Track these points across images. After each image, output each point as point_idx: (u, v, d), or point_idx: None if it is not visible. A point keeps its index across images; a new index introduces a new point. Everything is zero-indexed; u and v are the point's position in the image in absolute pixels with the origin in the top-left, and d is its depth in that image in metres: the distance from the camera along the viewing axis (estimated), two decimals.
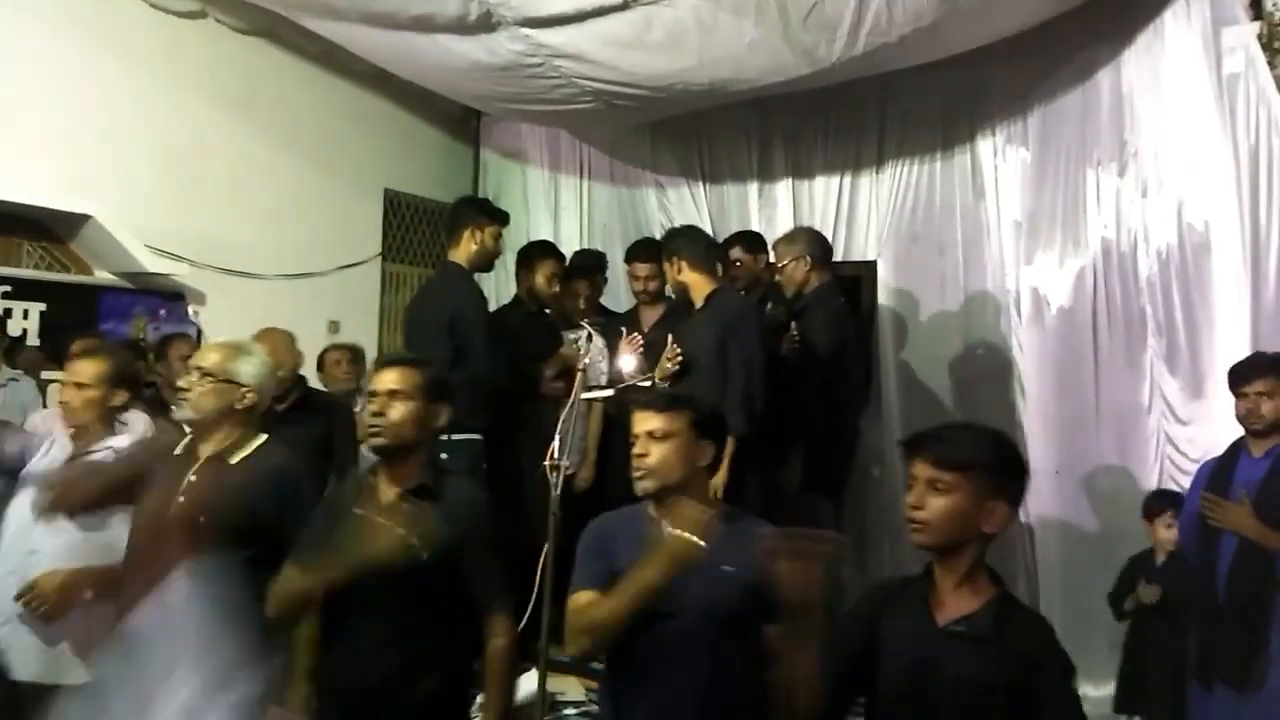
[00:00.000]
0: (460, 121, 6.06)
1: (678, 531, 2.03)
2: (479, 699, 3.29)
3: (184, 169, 4.59)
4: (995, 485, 1.79)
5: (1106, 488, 4.36)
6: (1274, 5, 4.12)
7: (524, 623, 2.87)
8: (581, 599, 2.20)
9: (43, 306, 4.12)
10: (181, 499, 2.49)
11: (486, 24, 4.23)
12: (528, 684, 3.30)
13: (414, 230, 5.80)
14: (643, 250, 4.54)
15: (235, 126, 4.82)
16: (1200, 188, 4.11)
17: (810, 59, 4.15)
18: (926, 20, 3.88)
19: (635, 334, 4.07)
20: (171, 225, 4.47)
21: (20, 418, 3.86)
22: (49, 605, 2.76)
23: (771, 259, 4.28)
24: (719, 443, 2.30)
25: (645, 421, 2.24)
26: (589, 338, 4.13)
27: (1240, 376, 3.25)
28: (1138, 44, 4.30)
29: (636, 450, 2.22)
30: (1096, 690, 4.07)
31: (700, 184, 5.55)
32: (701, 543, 2.00)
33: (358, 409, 4.07)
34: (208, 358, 2.57)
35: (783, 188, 5.30)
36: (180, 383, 2.56)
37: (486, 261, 4.12)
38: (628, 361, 3.82)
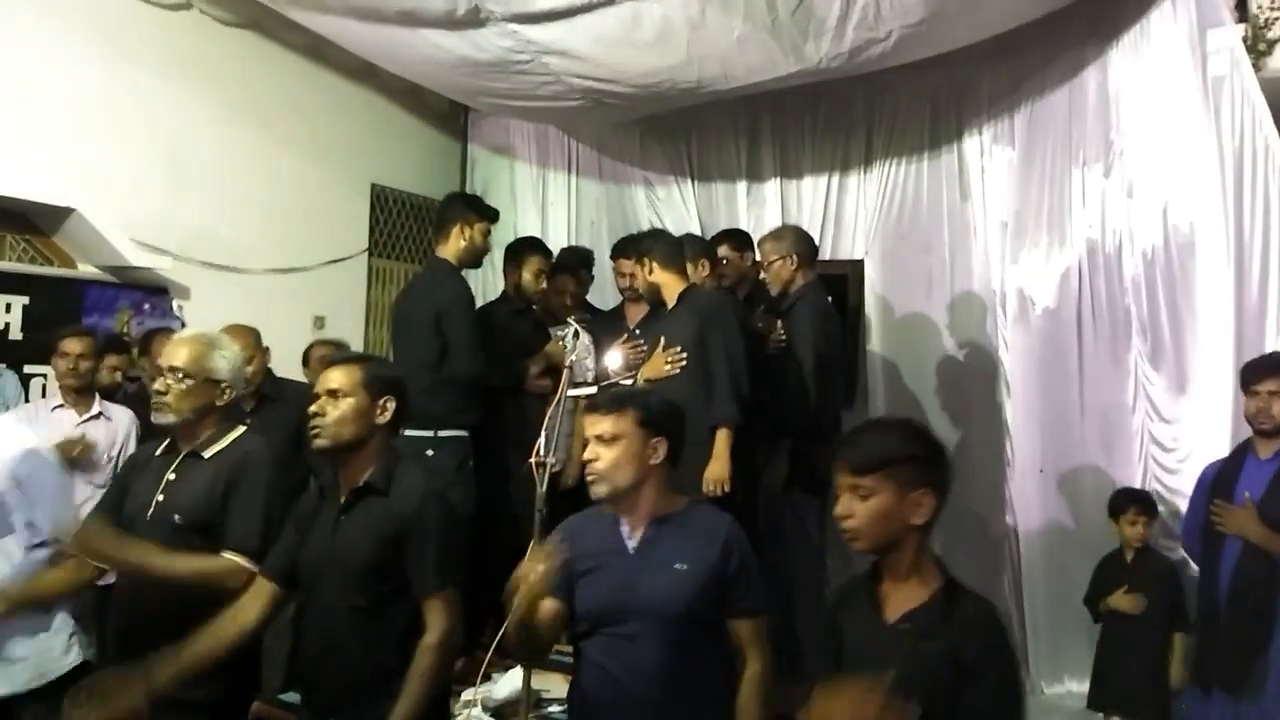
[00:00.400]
0: (448, 117, 6.04)
1: (522, 574, 2.01)
2: (464, 694, 3.31)
3: (169, 162, 4.55)
4: (916, 477, 1.81)
5: (1091, 486, 4.38)
6: (1259, 8, 4.15)
7: (502, 634, 2.88)
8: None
9: (25, 300, 4.08)
10: (161, 498, 2.49)
11: (474, 19, 4.22)
12: (513, 681, 3.30)
13: (401, 225, 5.78)
14: (629, 247, 4.53)
15: (220, 120, 4.78)
16: (1185, 188, 4.13)
17: (797, 55, 4.15)
18: (914, 18, 3.89)
19: (635, 337, 4.06)
20: (156, 219, 4.43)
21: (1, 410, 3.85)
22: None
23: (758, 257, 4.29)
24: (672, 436, 2.28)
25: (593, 425, 2.24)
26: (575, 334, 4.13)
27: (1253, 374, 3.25)
28: (1124, 45, 4.32)
29: (586, 455, 2.22)
30: (1080, 685, 4.10)
31: (689, 181, 5.55)
32: (537, 571, 1.99)
33: None
34: (179, 355, 2.53)
35: (771, 185, 5.31)
36: (156, 385, 2.53)
37: (475, 258, 4.11)
38: (614, 358, 3.82)
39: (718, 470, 3.51)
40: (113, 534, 2.40)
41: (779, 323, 4.05)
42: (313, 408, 2.33)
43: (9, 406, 3.88)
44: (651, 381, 3.70)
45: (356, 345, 5.37)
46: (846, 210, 5.13)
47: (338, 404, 2.31)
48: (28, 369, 4.08)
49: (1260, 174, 3.94)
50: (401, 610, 2.26)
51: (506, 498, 3.94)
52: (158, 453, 2.60)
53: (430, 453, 3.79)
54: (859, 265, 5.04)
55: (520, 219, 5.89)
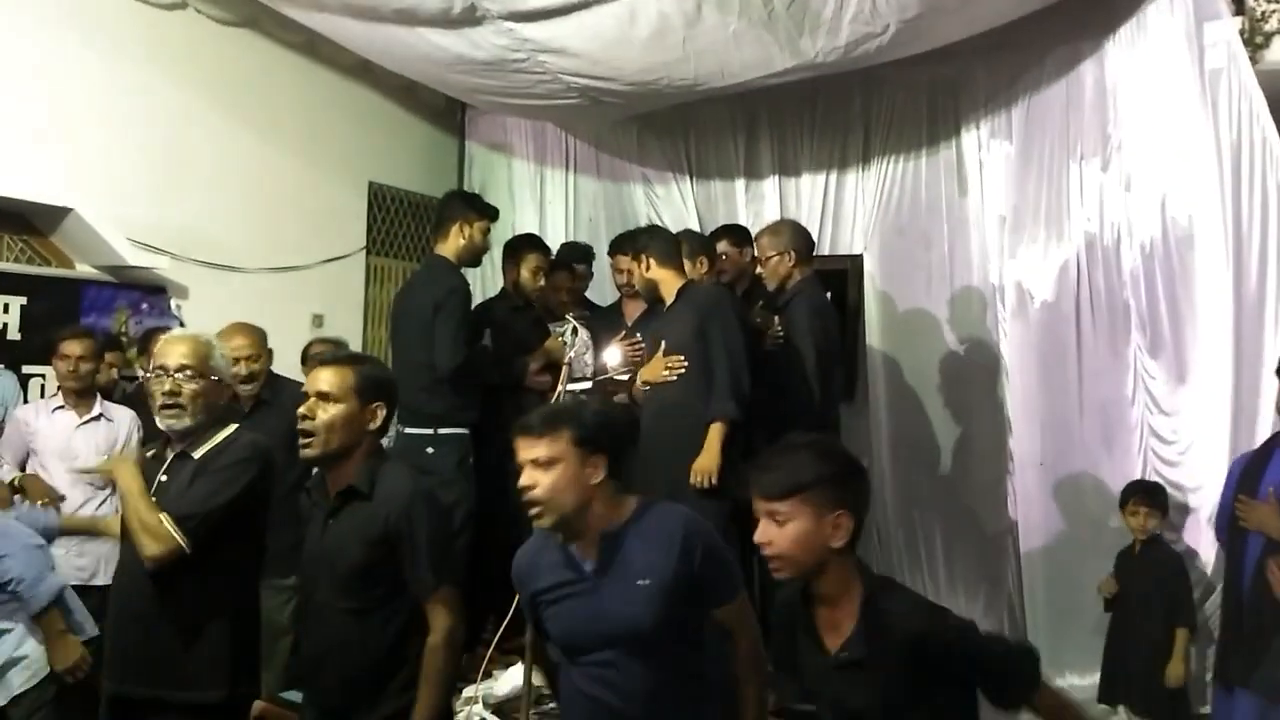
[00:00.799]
0: (445, 114, 6.03)
1: None
2: (465, 691, 3.31)
3: (166, 162, 4.55)
4: (831, 499, 1.78)
5: (1091, 479, 4.38)
6: (1255, 1, 4.14)
7: (510, 617, 2.88)
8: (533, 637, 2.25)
9: (23, 300, 4.08)
10: (152, 499, 2.45)
11: (470, 17, 4.21)
12: (514, 678, 3.31)
13: (399, 223, 5.77)
14: (626, 243, 4.52)
15: (218, 119, 4.78)
16: (1183, 182, 4.13)
17: (794, 50, 4.15)
18: (911, 12, 3.89)
19: (636, 336, 4.06)
20: (153, 218, 4.43)
21: (1, 412, 3.85)
22: None
23: (755, 252, 4.28)
24: (612, 452, 2.12)
25: (526, 449, 2.06)
26: (574, 331, 4.13)
27: None
28: (1121, 38, 4.31)
29: (522, 482, 2.07)
30: (1082, 679, 4.11)
31: (687, 178, 5.54)
32: None
33: None
34: (186, 353, 2.46)
35: (769, 181, 5.30)
36: (166, 386, 2.43)
37: (473, 257, 4.10)
38: (612, 355, 3.82)
39: (707, 462, 3.51)
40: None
41: (776, 318, 4.04)
42: (302, 409, 2.29)
43: (8, 407, 3.88)
44: (650, 385, 3.69)
45: (355, 344, 5.36)
46: (845, 205, 5.12)
47: (328, 409, 2.27)
48: (26, 369, 4.07)
49: (1258, 167, 3.93)
50: (395, 611, 2.25)
51: (506, 495, 3.93)
52: (150, 454, 2.56)
53: (430, 450, 3.79)
54: (858, 260, 5.04)
55: (518, 216, 5.88)
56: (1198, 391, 4.11)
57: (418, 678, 2.22)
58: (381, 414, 2.33)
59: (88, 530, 3.46)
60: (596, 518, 2.09)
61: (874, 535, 4.86)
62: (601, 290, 5.05)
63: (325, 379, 2.30)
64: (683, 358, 3.62)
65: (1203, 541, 4.01)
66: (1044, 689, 1.80)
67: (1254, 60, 4.01)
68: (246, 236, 4.85)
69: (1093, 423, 4.40)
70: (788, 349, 3.98)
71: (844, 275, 5.00)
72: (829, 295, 4.53)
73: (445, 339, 3.79)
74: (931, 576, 4.79)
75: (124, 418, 3.87)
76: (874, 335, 4.98)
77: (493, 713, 3.23)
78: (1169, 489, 4.05)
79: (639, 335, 4.05)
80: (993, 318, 4.68)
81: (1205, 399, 4.06)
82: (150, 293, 4.48)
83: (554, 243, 4.92)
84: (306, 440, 2.27)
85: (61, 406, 3.78)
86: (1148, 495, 3.87)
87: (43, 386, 4.08)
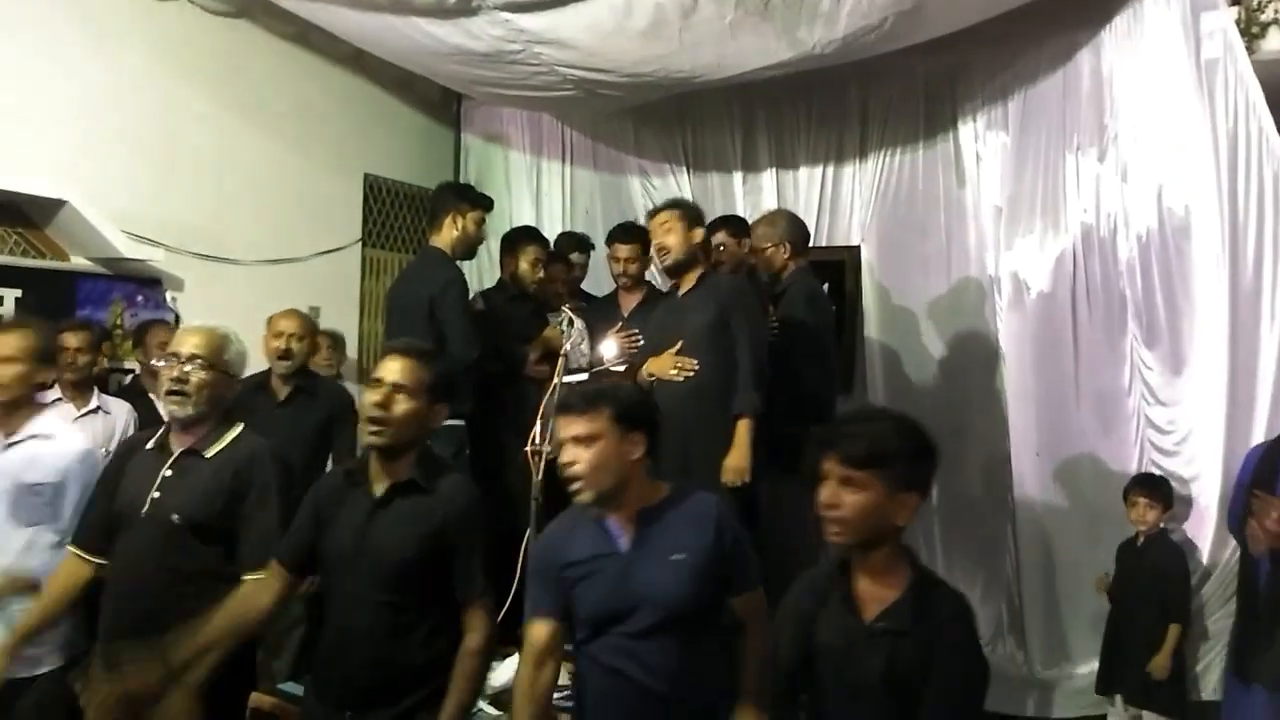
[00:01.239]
0: (441, 105, 6.01)
1: None
2: None
3: (160, 153, 4.53)
4: (906, 477, 1.80)
5: (1088, 469, 4.40)
6: None
7: (505, 608, 2.88)
8: (534, 633, 2.20)
9: (18, 293, 4.06)
10: (156, 495, 2.45)
11: (466, 7, 4.20)
12: (510, 668, 3.30)
13: (395, 215, 5.76)
14: (625, 233, 4.52)
15: (212, 110, 4.76)
16: (1179, 172, 4.13)
17: (791, 41, 4.13)
18: (908, 4, 3.88)
19: (632, 329, 4.04)
20: (148, 210, 4.42)
21: None
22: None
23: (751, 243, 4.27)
24: (650, 430, 2.19)
25: (566, 426, 2.13)
26: (569, 321, 4.12)
27: None
28: (1117, 28, 4.31)
29: (564, 459, 2.13)
30: (1079, 668, 4.12)
31: (684, 169, 5.54)
32: None
33: None
34: (199, 342, 2.45)
35: (766, 172, 5.30)
36: (173, 373, 2.43)
37: (468, 248, 4.09)
38: (608, 347, 3.81)
39: (739, 460, 3.44)
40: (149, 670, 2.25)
41: (771, 308, 4.04)
42: (378, 398, 2.23)
43: None
44: (654, 377, 3.66)
45: (350, 336, 5.36)
46: (842, 197, 5.12)
47: (402, 402, 2.24)
48: None
49: (1254, 157, 3.93)
50: (431, 609, 2.25)
51: (503, 486, 3.94)
52: (148, 446, 2.53)
53: (425, 441, 3.79)
54: (855, 251, 5.04)
55: (514, 208, 5.87)
56: (1194, 382, 4.11)
57: (438, 678, 2.22)
58: (444, 414, 2.33)
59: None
60: (634, 494, 2.16)
61: None
62: (598, 282, 5.05)
63: (402, 370, 2.27)
64: (695, 361, 3.56)
65: (1200, 532, 4.03)
66: None
67: (1250, 50, 4.00)
68: (241, 229, 4.84)
69: (1089, 412, 4.41)
70: (782, 339, 3.98)
71: (841, 266, 5.01)
72: (826, 286, 4.54)
73: (456, 333, 3.78)
74: (929, 565, 4.78)
75: (121, 410, 3.86)
76: (872, 326, 4.99)
77: (490, 704, 3.23)
78: (1163, 476, 4.05)
79: (635, 328, 4.04)
80: (990, 308, 4.69)
81: (1202, 389, 4.07)
82: (145, 285, 4.46)
83: (550, 234, 4.91)
84: (378, 430, 2.23)
85: (59, 399, 3.77)
86: (1147, 487, 3.88)
87: None
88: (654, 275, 4.86)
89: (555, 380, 3.20)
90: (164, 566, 2.40)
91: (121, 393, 4.02)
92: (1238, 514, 3.38)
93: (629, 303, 4.42)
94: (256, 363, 3.76)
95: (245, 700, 2.62)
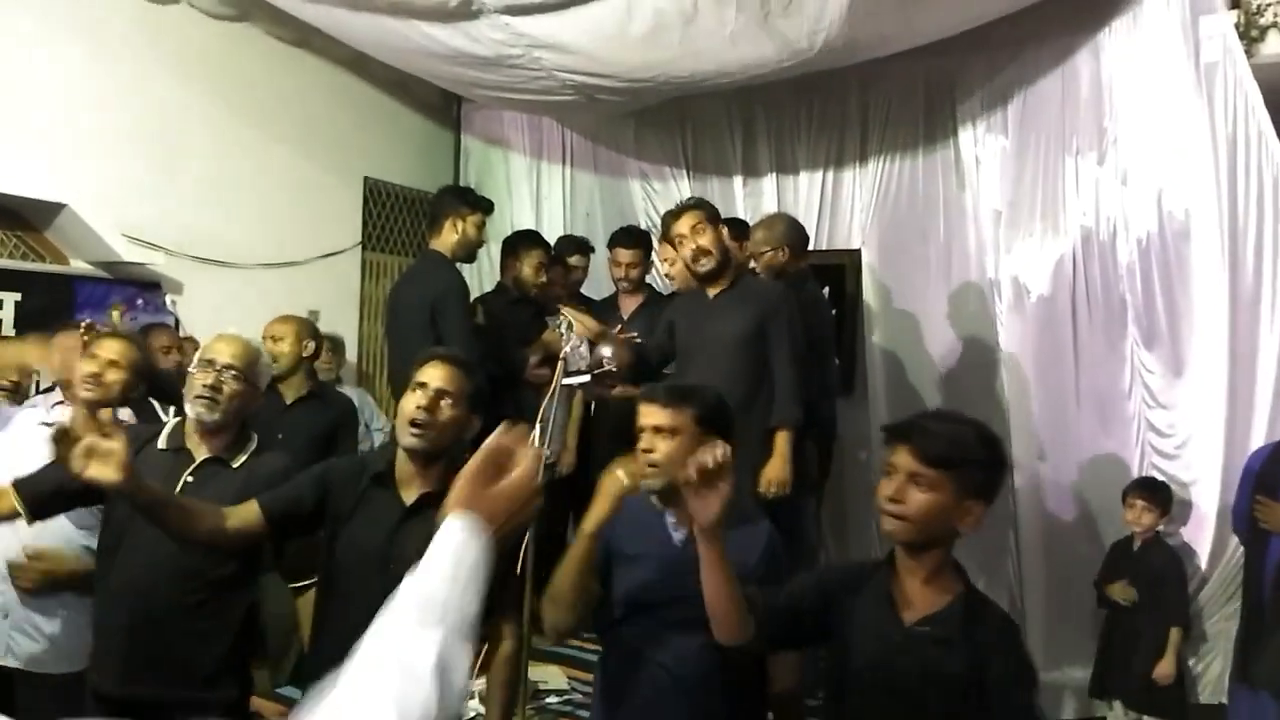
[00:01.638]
0: (441, 108, 6.02)
1: (614, 473, 2.02)
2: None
3: (160, 157, 4.54)
4: (976, 484, 1.76)
5: (1088, 472, 4.39)
6: None
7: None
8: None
9: (18, 296, 4.07)
10: None
11: (466, 11, 4.20)
12: None
13: (394, 219, 5.76)
14: (626, 237, 4.52)
15: (212, 114, 4.76)
16: (1179, 175, 4.12)
17: (790, 47, 4.12)
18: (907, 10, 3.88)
19: (633, 334, 4.03)
20: (148, 214, 4.42)
21: None
22: (33, 581, 2.73)
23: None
24: (726, 438, 2.19)
25: (650, 416, 2.20)
26: (569, 325, 4.12)
27: None
28: (1116, 32, 4.31)
29: (643, 445, 2.18)
30: (1079, 671, 4.12)
31: (684, 173, 5.54)
32: (632, 480, 1.98)
33: None
34: (236, 352, 2.47)
35: (766, 175, 5.30)
36: (208, 380, 2.43)
37: (468, 251, 4.09)
38: (608, 351, 3.80)
39: (781, 472, 3.39)
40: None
41: None
42: (424, 402, 2.22)
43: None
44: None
45: (350, 340, 5.36)
46: (843, 200, 5.12)
47: (447, 409, 2.23)
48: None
49: (1254, 160, 3.93)
50: None
51: None
52: (160, 445, 2.50)
53: None
54: (856, 255, 5.04)
55: (515, 211, 5.87)
56: (1194, 385, 4.11)
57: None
58: (477, 426, 2.30)
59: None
60: None
61: (873, 527, 4.87)
62: (597, 285, 5.05)
63: (447, 377, 2.26)
64: (730, 341, 3.47)
65: (1199, 535, 4.02)
66: None
67: (1249, 54, 4.00)
68: (241, 232, 4.84)
69: (1089, 416, 4.41)
70: None
71: (842, 270, 5.01)
72: (827, 289, 4.54)
73: (457, 336, 3.78)
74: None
75: (121, 414, 3.85)
76: (872, 329, 4.98)
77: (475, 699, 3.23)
78: (1167, 482, 4.05)
79: (636, 330, 4.03)
80: (990, 312, 4.68)
81: (1202, 392, 4.07)
82: (145, 289, 4.46)
83: (550, 238, 4.91)
84: (420, 432, 2.21)
85: (61, 402, 3.76)
86: (1148, 490, 3.87)
87: (37, 383, 4.06)
88: (654, 278, 4.86)
89: (555, 384, 3.20)
90: (182, 569, 2.39)
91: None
92: (1242, 514, 3.37)
93: (629, 305, 4.42)
94: None
95: (246, 705, 2.62)
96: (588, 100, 4.89)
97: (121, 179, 4.36)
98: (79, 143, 4.22)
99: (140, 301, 4.44)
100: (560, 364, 3.29)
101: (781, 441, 3.43)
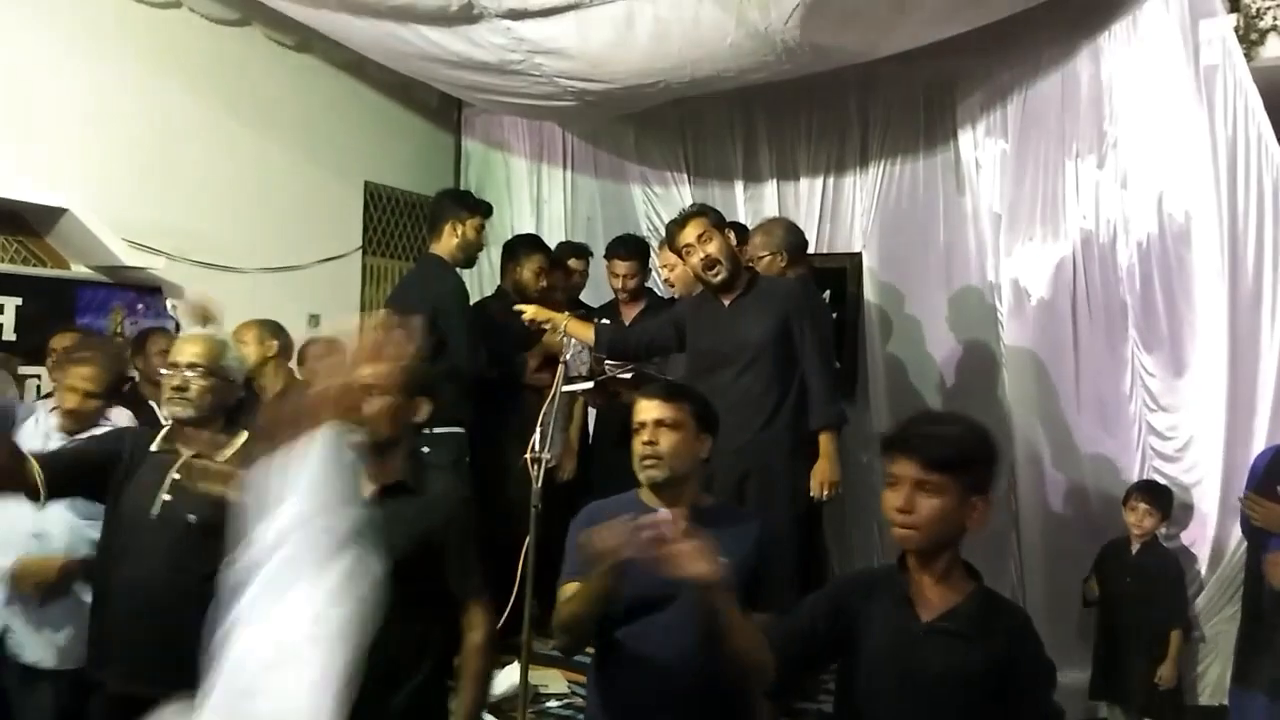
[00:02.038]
0: (441, 112, 6.02)
1: (600, 534, 1.99)
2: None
3: (161, 161, 4.54)
4: (979, 482, 1.78)
5: (1089, 475, 4.39)
6: None
7: (505, 615, 2.87)
8: (564, 593, 2.21)
9: (18, 301, 4.07)
10: (168, 498, 2.46)
11: (467, 15, 4.21)
12: (510, 676, 3.31)
13: (395, 223, 5.77)
14: (623, 247, 4.51)
15: (213, 118, 4.77)
16: (1179, 179, 4.12)
17: (789, 52, 4.11)
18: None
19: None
20: (148, 218, 4.42)
21: None
22: (39, 588, 2.77)
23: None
24: (714, 437, 2.32)
25: (651, 410, 2.26)
26: None
27: None
28: (1116, 35, 4.31)
29: (645, 438, 2.23)
30: (1082, 673, 4.11)
31: (685, 176, 5.54)
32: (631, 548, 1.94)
33: None
34: (198, 350, 2.51)
35: (767, 178, 5.30)
36: (175, 381, 2.49)
37: (468, 255, 4.10)
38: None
39: (832, 472, 3.37)
40: None
41: None
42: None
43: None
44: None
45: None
46: (843, 203, 5.12)
47: (373, 402, 2.25)
48: (21, 370, 4.06)
49: (1254, 163, 3.93)
50: (421, 610, 2.24)
51: (503, 493, 3.94)
52: (153, 448, 2.54)
53: (426, 449, 3.76)
54: (857, 258, 5.04)
55: (515, 215, 5.88)
56: (1195, 388, 4.11)
57: (428, 679, 2.24)
58: (425, 408, 2.35)
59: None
60: (690, 494, 2.27)
61: (875, 530, 4.88)
62: (598, 290, 5.05)
63: (373, 372, 2.31)
64: (756, 344, 3.40)
65: (1200, 537, 4.02)
66: None
67: (1249, 57, 4.00)
68: (242, 237, 4.84)
69: (1090, 419, 4.41)
70: None
71: (843, 273, 5.01)
72: (828, 294, 4.53)
73: (461, 342, 3.78)
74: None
75: (122, 418, 3.85)
76: (874, 332, 4.98)
77: (490, 712, 3.23)
78: (1166, 485, 4.05)
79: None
80: (990, 315, 4.69)
81: (1202, 395, 4.07)
82: (146, 293, 4.47)
83: (551, 242, 4.91)
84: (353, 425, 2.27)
85: (58, 407, 3.76)
86: (1148, 493, 3.87)
87: (38, 387, 4.07)
88: (654, 283, 4.87)
89: (555, 388, 3.20)
90: (175, 567, 2.41)
91: (121, 400, 4.02)
92: (1246, 523, 3.37)
93: (630, 313, 4.42)
94: None
95: None
96: (587, 107, 4.89)
97: (122, 183, 4.36)
98: (80, 147, 4.22)
99: (141, 306, 4.45)
100: (560, 368, 3.30)
101: (827, 442, 3.40)
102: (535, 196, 5.91)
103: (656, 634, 2.18)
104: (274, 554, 0.99)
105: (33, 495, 2.43)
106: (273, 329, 3.85)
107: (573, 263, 4.75)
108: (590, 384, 3.73)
